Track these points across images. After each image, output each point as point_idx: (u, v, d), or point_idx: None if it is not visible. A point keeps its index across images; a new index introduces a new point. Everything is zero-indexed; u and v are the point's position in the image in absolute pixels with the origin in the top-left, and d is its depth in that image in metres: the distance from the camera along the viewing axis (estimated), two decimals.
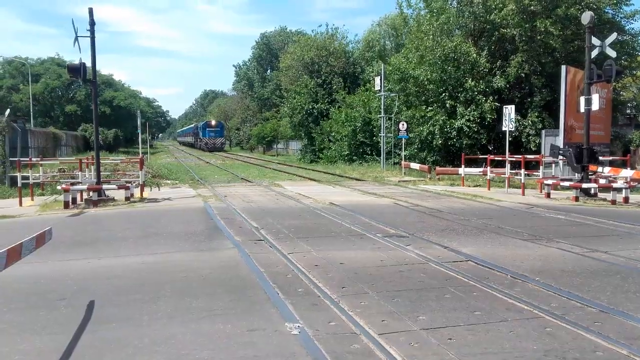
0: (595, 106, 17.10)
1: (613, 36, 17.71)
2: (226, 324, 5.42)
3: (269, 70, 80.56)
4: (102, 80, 65.33)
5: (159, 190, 18.54)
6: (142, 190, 16.88)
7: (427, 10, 31.23)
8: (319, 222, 11.96)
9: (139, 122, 31.19)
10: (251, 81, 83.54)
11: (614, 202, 15.62)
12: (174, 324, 5.50)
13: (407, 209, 14.27)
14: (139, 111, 36.56)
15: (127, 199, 15.74)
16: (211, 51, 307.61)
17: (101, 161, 17.12)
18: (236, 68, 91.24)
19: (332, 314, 5.72)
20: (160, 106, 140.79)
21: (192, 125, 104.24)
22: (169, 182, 22.14)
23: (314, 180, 23.16)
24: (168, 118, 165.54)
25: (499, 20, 27.00)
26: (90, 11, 15.13)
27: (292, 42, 60.16)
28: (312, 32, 54.73)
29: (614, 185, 16.24)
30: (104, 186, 16.02)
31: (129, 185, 16.23)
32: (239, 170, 29.71)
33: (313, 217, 12.73)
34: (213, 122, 78.25)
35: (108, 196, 15.86)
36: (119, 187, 16.17)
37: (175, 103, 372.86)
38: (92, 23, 15.13)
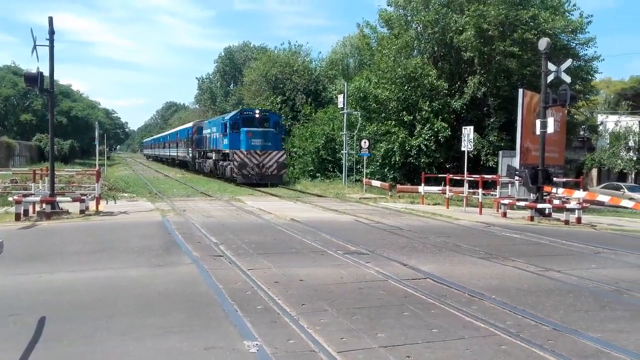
0: (550, 129, 17.66)
1: (568, 62, 18.40)
2: (182, 342, 5.29)
3: (232, 85, 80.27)
4: (60, 90, 63.82)
5: (116, 203, 18.12)
6: (97, 203, 16.46)
7: (388, 32, 31.90)
8: (280, 238, 11.89)
9: (96, 134, 30.47)
10: (214, 95, 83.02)
11: (567, 222, 16.09)
12: (129, 341, 5.33)
13: (368, 226, 14.35)
14: (97, 122, 35.79)
15: (82, 212, 15.31)
16: (173, 64, 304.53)
17: (56, 172, 16.64)
18: (199, 81, 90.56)
19: (291, 331, 5.65)
20: (120, 117, 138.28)
21: (186, 126, 49.80)
22: (126, 195, 21.66)
23: (275, 195, 23.07)
24: (127, 130, 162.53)
25: (457, 44, 27.77)
26: (50, 20, 14.79)
27: (255, 57, 60.14)
28: (275, 48, 54.61)
29: (567, 205, 16.76)
30: (58, 198, 15.55)
31: (84, 197, 15.80)
32: (199, 184, 29.33)
33: (274, 233, 12.64)
34: (258, 115, 31.30)
35: (62, 209, 15.38)
36: (74, 200, 15.71)
37: (135, 115, 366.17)
38: (52, 32, 14.78)
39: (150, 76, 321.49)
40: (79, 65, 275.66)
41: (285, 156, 30.71)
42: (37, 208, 15.13)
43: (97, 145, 31.83)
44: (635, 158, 39.96)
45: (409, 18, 30.75)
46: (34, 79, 14.58)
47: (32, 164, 41.53)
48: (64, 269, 8.61)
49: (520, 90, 20.91)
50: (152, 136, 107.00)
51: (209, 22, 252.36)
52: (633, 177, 40.08)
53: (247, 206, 18.19)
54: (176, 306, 6.56)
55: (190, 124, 48.43)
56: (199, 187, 26.59)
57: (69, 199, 15.90)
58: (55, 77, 15.81)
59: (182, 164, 51.12)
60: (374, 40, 34.37)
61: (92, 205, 16.25)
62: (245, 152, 28.66)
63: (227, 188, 26.49)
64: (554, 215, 17.17)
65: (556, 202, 17.55)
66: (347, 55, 46.88)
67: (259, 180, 28.27)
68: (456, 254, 10.44)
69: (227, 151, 30.56)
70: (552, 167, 21.11)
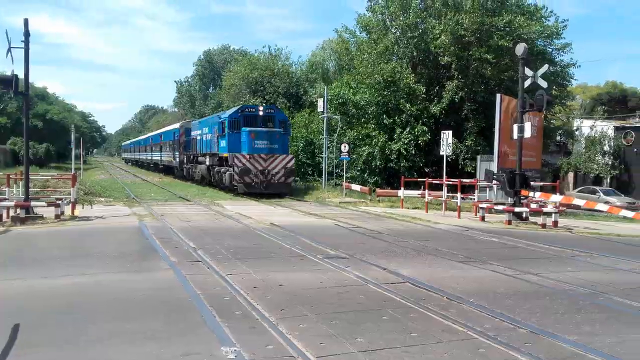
0: (527, 134, 17.89)
1: (544, 67, 18.69)
2: (160, 348, 5.22)
3: (211, 88, 79.81)
4: (36, 93, 62.77)
5: (92, 208, 17.86)
6: (73, 208, 16.20)
7: (367, 37, 32.09)
8: (259, 242, 11.83)
9: (72, 137, 30.04)
10: (193, 98, 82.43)
11: (544, 225, 16.30)
12: (106, 347, 5.25)
13: (348, 230, 14.35)
14: (73, 126, 35.28)
15: (57, 217, 15.05)
16: (152, 67, 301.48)
17: (31, 177, 16.34)
18: (177, 84, 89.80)
19: (270, 337, 5.61)
20: (96, 121, 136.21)
21: (172, 127, 44.78)
22: (102, 199, 21.37)
23: (255, 200, 22.98)
24: (104, 133, 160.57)
25: (434, 50, 28.04)
26: (26, 22, 14.55)
27: (234, 60, 59.90)
28: (255, 51, 54.43)
29: (544, 209, 16.98)
30: (33, 203, 15.26)
31: (60, 202, 15.53)
32: (177, 188, 29.03)
33: (253, 237, 12.57)
34: (261, 112, 26.63)
35: (37, 214, 15.10)
36: (49, 205, 15.44)
37: (112, 118, 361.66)
38: (27, 34, 14.53)
39: (128, 79, 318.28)
40: (56, 68, 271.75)
41: (293, 161, 26.18)
42: (11, 213, 14.83)
43: (73, 149, 31.36)
44: (610, 163, 40.71)
45: (387, 23, 30.94)
46: (8, 82, 14.34)
47: (6, 168, 40.76)
48: (39, 274, 8.44)
49: (498, 95, 21.14)
50: (130, 139, 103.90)
51: (186, 25, 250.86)
52: (608, 181, 40.83)
53: (226, 211, 18.07)
54: (153, 312, 6.48)
55: (176, 125, 43.07)
56: (178, 192, 26.34)
57: (44, 203, 15.62)
58: (31, 80, 15.56)
59: (167, 169, 45.73)
60: (353, 45, 34.50)
61: (67, 210, 15.98)
62: (247, 156, 24.43)
63: (206, 192, 26.27)
64: (531, 218, 17.38)
65: (533, 205, 17.77)
66: (327, 58, 47.00)
67: (264, 189, 24.26)
68: (435, 258, 10.50)
69: (224, 155, 26.10)
70: (530, 171, 21.35)
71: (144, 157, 63.15)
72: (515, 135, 18.07)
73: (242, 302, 6.87)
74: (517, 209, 17.18)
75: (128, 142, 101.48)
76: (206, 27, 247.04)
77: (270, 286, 7.76)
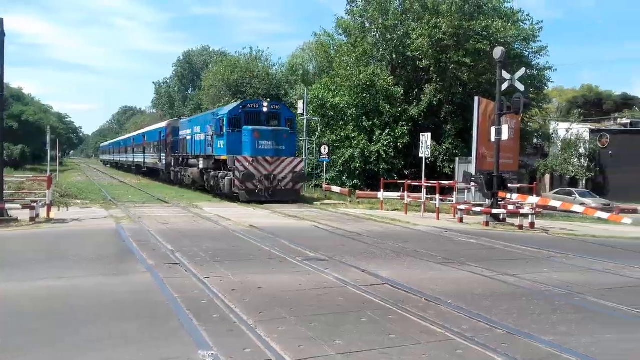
0: (504, 136, 18.09)
1: (522, 71, 18.95)
2: (138, 352, 5.16)
3: (190, 89, 79.28)
4: (11, 94, 61.63)
5: (68, 210, 17.57)
6: (49, 211, 15.92)
7: (346, 39, 32.21)
8: (238, 245, 11.76)
9: (48, 138, 29.53)
10: (172, 99, 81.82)
11: (521, 227, 16.49)
12: (81, 353, 5.17)
13: (328, 232, 14.35)
14: (49, 127, 34.71)
15: (32, 219, 14.77)
16: (130, 67, 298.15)
17: (5, 179, 16.01)
18: (156, 85, 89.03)
19: (247, 340, 5.57)
20: (73, 122, 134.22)
21: (158, 127, 41.63)
22: (79, 202, 21.03)
23: (234, 201, 22.82)
24: (81, 134, 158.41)
25: (411, 54, 28.24)
26: (0, 22, 14.27)
27: (214, 61, 59.55)
28: (235, 53, 54.18)
29: (521, 211, 17.19)
30: (7, 205, 14.96)
31: (35, 205, 15.25)
32: (155, 190, 28.72)
33: (232, 239, 12.49)
34: (266, 108, 23.68)
35: (11, 216, 14.81)
36: (24, 207, 15.15)
37: (90, 119, 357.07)
38: (2, 34, 14.26)
39: (106, 80, 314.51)
40: (32, 69, 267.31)
41: (303, 164, 23.70)
42: None
43: (48, 151, 30.85)
44: (585, 165, 41.43)
45: (367, 26, 31.09)
46: None
47: None
48: (12, 278, 8.27)
49: (476, 98, 21.33)
50: (108, 140, 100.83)
51: (166, 25, 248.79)
52: (584, 183, 41.53)
53: (204, 213, 17.93)
54: (130, 316, 6.39)
55: (163, 124, 39.61)
56: (156, 194, 26.07)
57: (18, 206, 15.32)
58: (6, 80, 15.26)
59: (151, 172, 42.11)
60: (332, 48, 34.58)
61: (43, 212, 15.70)
62: (250, 159, 21.82)
63: (184, 194, 26.03)
64: (509, 220, 17.58)
65: (511, 207, 17.97)
66: (307, 60, 47.01)
67: (269, 196, 21.81)
68: (414, 260, 10.54)
69: (222, 157, 23.32)
70: (507, 173, 21.58)
71: (125, 159, 59.32)
72: (493, 138, 18.27)
73: (220, 305, 6.82)
74: (494, 211, 17.36)
75: (107, 143, 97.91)
76: (186, 28, 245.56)
77: (248, 289, 7.71)
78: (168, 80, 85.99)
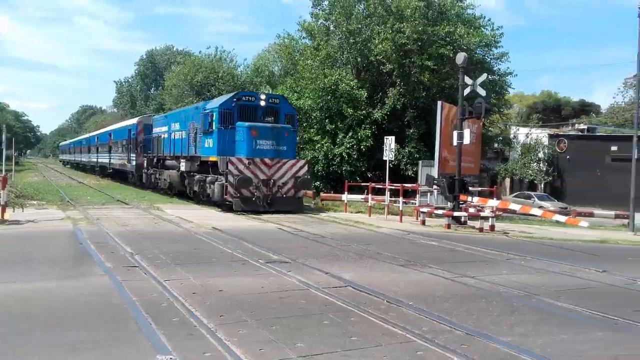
0: (466, 140, 18.40)
1: (483, 76, 19.32)
2: (94, 358, 5.01)
3: (152, 89, 78.07)
4: None
5: (23, 211, 17.02)
6: (3, 212, 15.39)
7: (310, 42, 32.23)
8: (200, 247, 11.59)
9: (3, 137, 28.58)
10: (134, 98, 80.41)
11: (481, 229, 16.78)
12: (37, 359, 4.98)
13: (291, 234, 14.30)
14: (4, 126, 33.62)
15: None
16: (92, 66, 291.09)
17: None
18: (117, 84, 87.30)
19: (207, 343, 5.49)
20: (31, 121, 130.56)
21: (127, 124, 38.98)
22: (34, 202, 20.42)
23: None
24: (39, 133, 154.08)
25: (374, 58, 28.46)
26: None
27: (178, 61, 58.75)
28: (200, 53, 53.44)
29: (482, 214, 17.48)
30: None
31: None
32: (115, 191, 28.10)
33: (193, 242, 12.31)
34: (263, 101, 20.68)
35: None
36: None
37: (48, 118, 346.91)
38: None
39: (67, 79, 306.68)
40: None
41: (306, 168, 20.52)
42: None
43: (4, 150, 29.86)
44: (544, 169, 42.52)
45: (332, 28, 31.19)
46: None
47: None
48: None
49: (439, 103, 21.64)
50: (68, 139, 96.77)
51: (129, 24, 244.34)
52: (542, 186, 42.61)
53: (166, 214, 17.64)
54: (86, 320, 6.22)
55: (133, 120, 36.18)
56: (116, 195, 25.52)
57: None
58: None
59: (118, 174, 38.48)
60: (297, 51, 34.53)
61: None
62: (246, 161, 18.79)
63: (145, 196, 25.55)
64: (470, 222, 17.87)
65: (471, 210, 18.25)
66: (272, 62, 46.87)
67: (268, 205, 18.92)
68: (377, 262, 10.60)
69: (210, 158, 20.26)
70: (468, 177, 21.94)
71: (87, 159, 54.90)
72: (455, 142, 18.55)
73: (180, 309, 6.70)
74: (456, 214, 17.62)
75: (67, 142, 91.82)
76: (149, 28, 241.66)
77: (209, 292, 7.61)
78: (130, 80, 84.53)
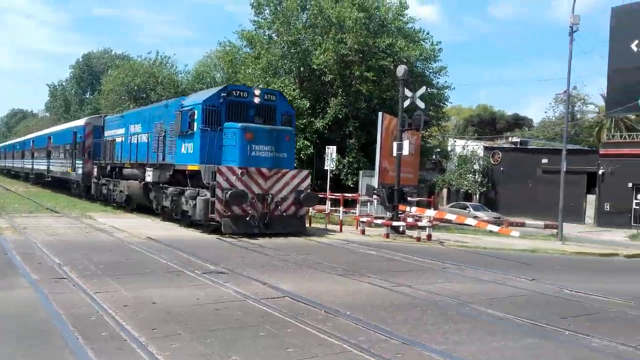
0: (406, 151, 18.78)
1: (422, 89, 19.84)
2: None
3: (88, 93, 75.49)
4: None
5: None
6: None
7: (252, 51, 32.12)
8: (133, 257, 11.20)
9: None
10: (68, 102, 77.43)
11: (419, 239, 17.10)
12: None
13: (230, 244, 14.08)
14: None
15: None
16: (25, 68, 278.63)
17: None
18: (50, 87, 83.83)
19: (138, 358, 5.30)
20: None
21: (71, 125, 33.14)
22: None
23: (133, 212, 21.79)
24: None
25: (316, 68, 28.66)
26: None
27: (116, 65, 57.08)
28: (138, 57, 52.08)
29: (420, 223, 17.85)
30: None
31: None
32: (45, 199, 26.75)
33: (126, 252, 11.89)
34: (257, 97, 16.86)
35: None
36: None
37: None
38: None
39: None
40: None
41: (309, 180, 17.25)
42: None
43: None
44: (479, 180, 43.95)
45: (274, 37, 31.18)
46: None
47: None
48: None
49: (380, 114, 21.99)
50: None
51: (65, 25, 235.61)
52: (477, 197, 44.02)
53: (98, 223, 16.98)
54: (9, 335, 5.88)
55: (79, 122, 31.02)
56: (45, 203, 24.36)
57: None
58: None
59: (59, 184, 33.56)
60: (238, 59, 34.26)
61: None
62: (239, 171, 15.32)
63: (77, 204, 24.50)
64: (408, 232, 18.19)
65: (410, 220, 18.62)
66: (214, 68, 46.30)
67: (264, 227, 15.66)
68: (316, 271, 10.58)
69: (189, 167, 16.65)
70: (407, 187, 22.38)
71: (20, 166, 48.75)
72: (394, 153, 18.89)
73: (110, 322, 6.44)
74: (394, 223, 17.89)
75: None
76: (86, 29, 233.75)
77: (142, 304, 7.35)
78: (64, 83, 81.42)
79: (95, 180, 25.86)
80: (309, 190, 16.81)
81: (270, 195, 15.80)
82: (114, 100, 46.34)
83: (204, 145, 16.08)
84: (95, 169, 26.13)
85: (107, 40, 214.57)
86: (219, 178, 15.20)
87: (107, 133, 25.23)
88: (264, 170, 15.79)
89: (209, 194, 15.46)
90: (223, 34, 60.06)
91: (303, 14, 30.57)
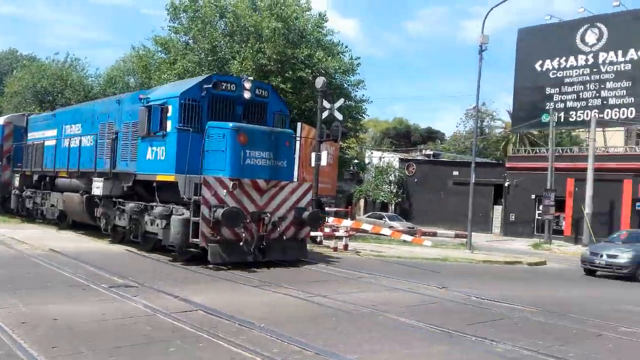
0: (323, 162, 18.94)
1: (340, 101, 20.16)
2: None
3: None
4: None
5: None
6: None
7: (166, 56, 31.36)
8: (33, 271, 10.48)
9: None
10: None
11: (335, 249, 17.26)
12: None
13: (140, 256, 13.52)
14: None
15: None
16: None
17: None
18: None
19: None
20: None
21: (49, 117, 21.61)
22: None
23: (36, 223, 20.35)
24: None
25: (235, 74, 28.41)
26: None
27: (22, 65, 53.74)
28: (46, 59, 49.23)
29: (337, 233, 18.03)
30: None
31: None
32: None
33: (26, 265, 11.11)
34: (248, 91, 13.30)
35: None
36: None
37: None
38: None
39: None
40: None
41: (310, 195, 14.08)
42: None
43: None
44: (394, 191, 45.16)
45: (190, 43, 30.58)
46: None
47: None
48: None
49: (299, 124, 22.02)
50: None
51: None
52: (393, 207, 45.16)
53: None
54: None
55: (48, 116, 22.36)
56: None
57: None
58: None
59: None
60: (153, 65, 33.25)
61: None
62: (230, 184, 12.00)
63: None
64: (325, 242, 18.30)
65: (327, 230, 18.74)
66: (128, 73, 44.68)
67: (260, 254, 12.41)
68: (231, 283, 10.39)
69: (158, 177, 13.16)
70: (325, 197, 22.52)
71: None
72: (313, 163, 18.99)
73: (6, 340, 5.98)
74: (312, 233, 17.93)
75: None
76: None
77: (42, 321, 6.87)
78: None
79: (17, 192, 21.67)
80: (311, 209, 13.67)
81: (267, 215, 12.66)
82: (17, 103, 43.54)
83: (182, 149, 12.46)
84: (17, 178, 21.92)
85: (13, 40, 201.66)
86: (206, 192, 11.80)
87: (31, 135, 21.42)
88: (260, 182, 12.59)
89: (187, 213, 12.10)
90: (139, 37, 58.12)
91: (221, 21, 30.22)
